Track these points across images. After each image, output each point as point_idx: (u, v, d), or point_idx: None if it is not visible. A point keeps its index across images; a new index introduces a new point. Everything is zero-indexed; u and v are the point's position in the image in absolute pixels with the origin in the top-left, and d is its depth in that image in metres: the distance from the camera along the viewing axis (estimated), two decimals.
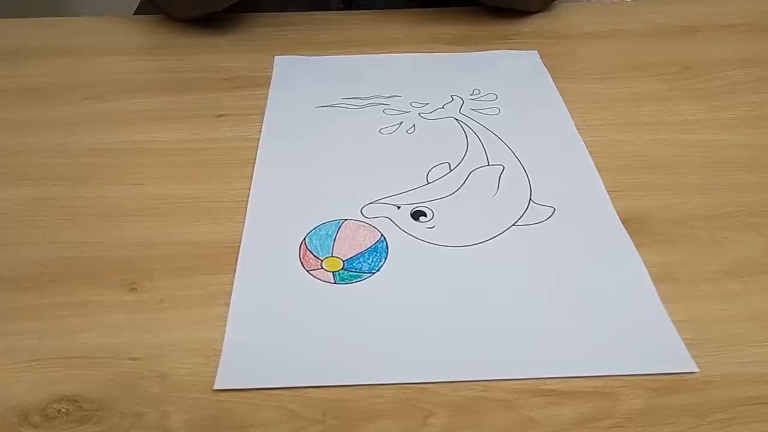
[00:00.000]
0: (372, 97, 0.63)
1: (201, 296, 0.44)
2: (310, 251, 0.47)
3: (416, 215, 0.50)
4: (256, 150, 0.56)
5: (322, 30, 0.70)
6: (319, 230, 0.48)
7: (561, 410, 0.37)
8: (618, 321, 0.42)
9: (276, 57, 0.69)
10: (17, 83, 0.66)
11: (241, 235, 0.48)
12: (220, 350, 0.40)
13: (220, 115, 0.61)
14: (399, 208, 0.50)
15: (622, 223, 0.49)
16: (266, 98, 0.63)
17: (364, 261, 0.46)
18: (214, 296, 0.44)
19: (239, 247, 0.47)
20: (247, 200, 0.51)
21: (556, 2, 0.79)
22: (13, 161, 0.56)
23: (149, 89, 0.64)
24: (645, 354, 0.40)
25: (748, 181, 0.53)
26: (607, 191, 0.52)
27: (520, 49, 0.71)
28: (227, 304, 0.43)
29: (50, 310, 0.43)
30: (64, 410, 0.37)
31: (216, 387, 0.38)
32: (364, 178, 0.53)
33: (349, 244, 0.47)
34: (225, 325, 0.42)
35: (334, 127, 0.59)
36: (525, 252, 0.47)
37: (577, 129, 0.59)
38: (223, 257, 0.46)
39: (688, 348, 0.40)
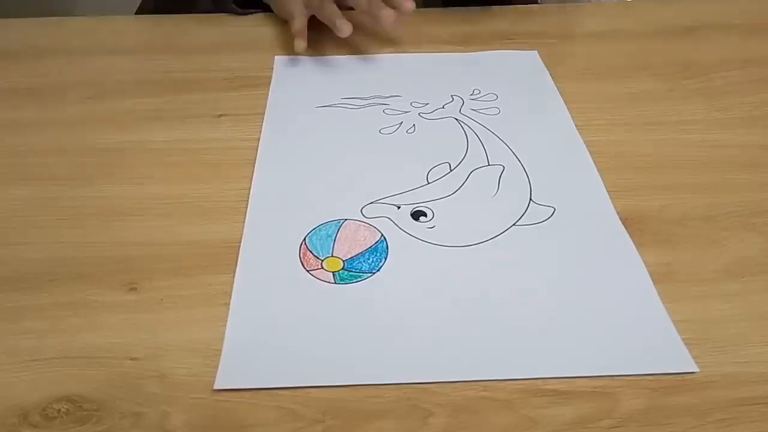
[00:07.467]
0: (372, 97, 0.63)
1: (201, 296, 0.44)
2: (311, 251, 0.47)
3: (416, 215, 0.50)
4: (256, 150, 0.56)
5: (321, 30, 0.70)
6: (320, 230, 0.48)
7: (561, 410, 0.37)
8: (618, 321, 0.42)
9: (276, 57, 0.69)
10: (17, 83, 0.66)
11: (241, 235, 0.48)
12: (220, 350, 0.40)
13: (220, 115, 0.61)
14: (399, 208, 0.50)
15: (622, 223, 0.49)
16: (266, 98, 0.63)
17: (364, 261, 0.46)
18: (214, 296, 0.44)
19: (239, 247, 0.47)
20: (247, 200, 0.51)
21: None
22: (13, 161, 0.56)
23: (149, 89, 0.64)
24: (645, 354, 0.40)
25: (748, 181, 0.53)
26: (607, 191, 0.52)
27: (520, 49, 0.71)
28: (227, 304, 0.43)
29: (50, 310, 0.43)
30: (64, 410, 0.37)
31: (216, 387, 0.38)
32: (364, 178, 0.53)
33: (349, 244, 0.47)
34: (225, 325, 0.42)
35: (334, 127, 0.59)
36: (525, 252, 0.47)
37: (577, 129, 0.59)
38: (223, 257, 0.46)
39: (688, 348, 0.40)
